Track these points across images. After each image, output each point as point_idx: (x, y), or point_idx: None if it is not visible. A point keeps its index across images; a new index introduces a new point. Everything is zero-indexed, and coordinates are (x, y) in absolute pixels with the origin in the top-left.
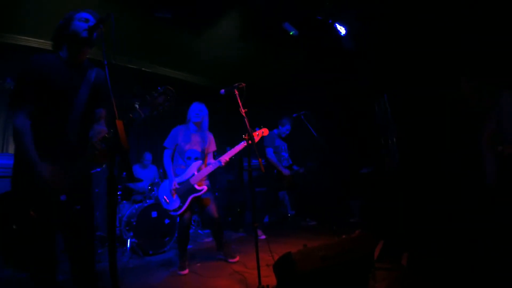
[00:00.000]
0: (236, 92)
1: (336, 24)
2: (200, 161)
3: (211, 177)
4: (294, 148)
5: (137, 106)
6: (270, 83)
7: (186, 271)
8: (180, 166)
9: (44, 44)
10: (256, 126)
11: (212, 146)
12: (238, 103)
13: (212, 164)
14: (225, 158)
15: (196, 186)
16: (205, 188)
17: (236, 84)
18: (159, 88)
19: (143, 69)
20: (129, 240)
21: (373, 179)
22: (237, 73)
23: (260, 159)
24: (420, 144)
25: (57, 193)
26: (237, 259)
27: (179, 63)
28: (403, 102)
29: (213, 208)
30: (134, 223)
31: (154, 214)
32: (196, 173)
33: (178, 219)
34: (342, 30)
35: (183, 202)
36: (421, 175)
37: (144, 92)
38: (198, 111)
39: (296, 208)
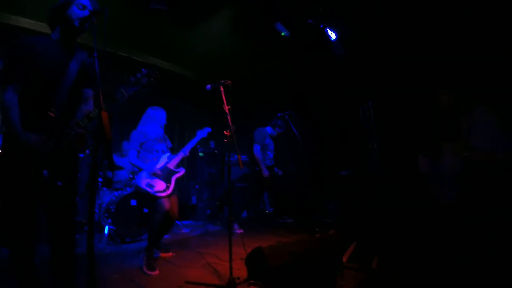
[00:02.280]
0: (222, 89)
1: (327, 29)
2: (168, 153)
3: (192, 169)
4: (277, 148)
5: (121, 88)
6: (258, 81)
7: (157, 272)
8: (152, 159)
9: (37, 25)
10: (240, 123)
11: (169, 142)
12: (223, 99)
13: (180, 152)
14: (188, 149)
15: (174, 168)
16: (183, 170)
17: (222, 81)
18: (143, 69)
19: (133, 57)
20: (107, 227)
21: (351, 182)
22: (226, 69)
23: (239, 155)
24: (400, 151)
25: (39, 165)
26: (170, 254)
27: (170, 54)
28: (387, 110)
29: (176, 209)
30: (113, 210)
31: (133, 202)
32: (169, 160)
33: (158, 204)
34: (332, 35)
35: (168, 183)
36: (399, 181)
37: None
38: (165, 119)
39: (274, 206)
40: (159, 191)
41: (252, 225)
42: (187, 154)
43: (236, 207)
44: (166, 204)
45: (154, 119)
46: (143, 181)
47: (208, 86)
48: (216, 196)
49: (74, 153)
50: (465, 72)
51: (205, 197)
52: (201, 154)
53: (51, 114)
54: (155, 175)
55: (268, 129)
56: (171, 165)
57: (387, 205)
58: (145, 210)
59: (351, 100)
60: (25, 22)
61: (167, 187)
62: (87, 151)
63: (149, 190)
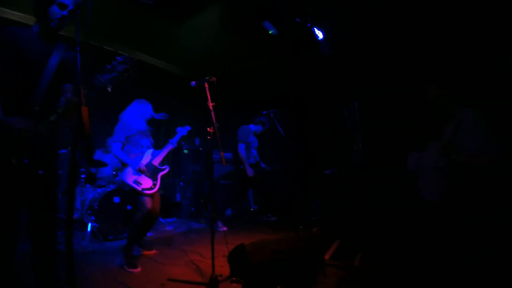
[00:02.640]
0: (206, 86)
1: (315, 28)
2: (152, 149)
3: (176, 166)
4: (262, 146)
5: (98, 75)
6: (245, 79)
7: (139, 269)
8: (137, 154)
9: (25, 18)
10: (226, 120)
11: (151, 139)
12: (207, 96)
13: (165, 147)
14: (175, 140)
15: (159, 166)
16: (167, 167)
17: (207, 78)
18: (117, 57)
19: (119, 52)
20: (90, 224)
21: (335, 181)
22: (213, 65)
23: (222, 152)
24: (384, 151)
25: (21, 153)
26: (153, 252)
27: (158, 49)
28: (372, 110)
29: (158, 207)
30: (96, 207)
31: (116, 199)
32: (152, 157)
33: (140, 202)
34: (320, 34)
35: (155, 180)
36: (382, 180)
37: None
38: (151, 113)
39: (258, 204)
40: (147, 189)
41: (236, 222)
42: (175, 145)
43: (220, 204)
44: (149, 202)
45: (140, 112)
46: (130, 178)
47: (193, 82)
48: (201, 194)
49: (53, 141)
50: (453, 72)
51: (189, 195)
52: (185, 151)
53: (33, 108)
54: (141, 172)
55: (252, 126)
56: (156, 162)
57: (370, 204)
58: (129, 207)
59: (337, 99)
60: (14, 15)
61: (154, 185)
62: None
63: (137, 187)
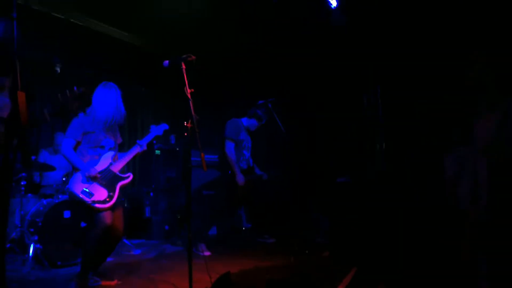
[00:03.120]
0: (183, 66)
1: None
2: (114, 152)
3: (145, 171)
4: (256, 146)
5: (45, 111)
6: (233, 58)
7: None
8: (93, 157)
9: None
10: (209, 112)
11: (119, 137)
12: (184, 80)
13: (131, 150)
14: (145, 142)
15: (119, 173)
16: (131, 175)
17: (185, 56)
18: (75, 88)
19: (71, 20)
20: (32, 246)
21: (350, 191)
22: (193, 40)
23: (202, 153)
24: (414, 152)
25: None
26: (114, 282)
27: (119, 17)
28: (399, 98)
29: (121, 225)
30: (40, 224)
31: (67, 214)
32: (112, 162)
33: (97, 217)
34: (333, 1)
35: (112, 191)
36: (412, 190)
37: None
38: (113, 93)
39: (253, 221)
40: (99, 202)
41: (223, 245)
42: (145, 148)
43: (202, 221)
44: (108, 218)
45: (107, 101)
46: (79, 186)
47: (166, 62)
48: (177, 208)
49: None
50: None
51: (162, 209)
52: (157, 151)
53: None
54: (93, 180)
55: (244, 120)
56: (116, 168)
57: (396, 221)
58: (83, 224)
59: (353, 85)
60: None
61: (110, 197)
62: None
63: (86, 199)
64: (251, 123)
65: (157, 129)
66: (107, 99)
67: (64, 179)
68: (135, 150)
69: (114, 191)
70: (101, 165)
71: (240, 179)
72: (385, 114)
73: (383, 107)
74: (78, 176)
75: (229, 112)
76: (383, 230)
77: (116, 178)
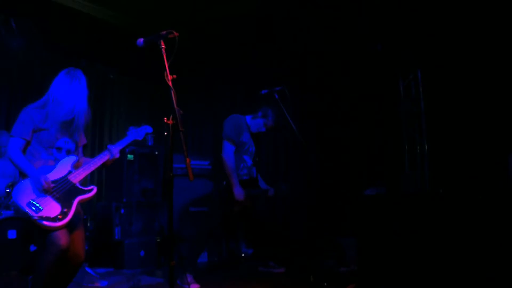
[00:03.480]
0: (163, 46)
1: None
2: (76, 156)
3: (114, 182)
4: (260, 152)
5: None
6: (228, 35)
7: None
8: (47, 162)
9: None
10: (196, 106)
11: (83, 137)
12: (165, 63)
13: (99, 157)
14: (118, 148)
15: (80, 186)
16: (94, 189)
17: (165, 32)
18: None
19: None
20: None
21: (382, 207)
22: (175, 12)
23: (188, 160)
24: (466, 154)
25: None
26: None
27: None
28: (446, 85)
29: (81, 248)
30: None
31: (12, 234)
32: (72, 169)
33: (48, 238)
34: None
35: (67, 207)
36: (464, 203)
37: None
38: (76, 83)
39: (254, 245)
40: (48, 218)
41: (216, 276)
42: (117, 156)
43: (189, 246)
44: (62, 239)
45: (69, 93)
46: (24, 197)
47: (140, 40)
48: (155, 228)
49: None
50: None
51: (136, 230)
52: (130, 156)
53: None
54: (44, 191)
55: (248, 118)
56: (76, 178)
57: (444, 245)
58: (32, 247)
59: (385, 67)
60: None
61: (63, 214)
62: None
63: (31, 213)
64: (257, 124)
65: (137, 133)
66: (70, 91)
67: (8, 190)
68: (104, 157)
69: (70, 207)
70: (57, 173)
71: (239, 192)
72: (428, 106)
73: (426, 97)
74: (26, 183)
75: (223, 105)
76: (429, 256)
77: (75, 191)
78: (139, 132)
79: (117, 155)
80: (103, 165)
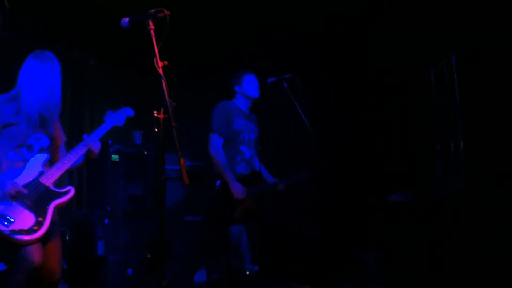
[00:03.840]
0: (152, 26)
1: None
2: (46, 154)
3: (96, 187)
4: (265, 141)
5: None
6: (226, 12)
7: None
8: (14, 163)
9: None
10: (194, 96)
11: (62, 134)
12: (154, 47)
13: (72, 151)
14: (96, 137)
15: (54, 188)
16: (71, 190)
17: (153, 11)
18: None
19: None
20: None
21: (409, 215)
22: None
23: (182, 161)
24: (510, 155)
25: None
26: None
27: None
28: (487, 73)
29: (56, 264)
30: None
31: None
32: (43, 169)
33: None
34: None
35: (41, 215)
36: (504, 215)
37: None
38: (48, 67)
39: (261, 259)
40: (21, 232)
41: None
42: (98, 146)
43: (183, 262)
44: (34, 254)
45: (39, 80)
46: None
47: (125, 20)
48: (145, 241)
49: None
50: None
51: (122, 243)
52: (114, 157)
53: None
54: (12, 198)
55: (235, 102)
56: (49, 179)
57: (482, 258)
58: (2, 266)
59: (414, 52)
60: None
61: (38, 224)
62: None
63: (2, 228)
64: (248, 93)
65: (115, 117)
66: (40, 77)
67: None
68: (80, 150)
69: (44, 215)
70: (27, 176)
71: (237, 189)
72: (464, 97)
73: (461, 86)
74: None
75: (223, 96)
76: (468, 274)
77: (49, 195)
78: (118, 116)
79: (97, 146)
80: (86, 160)
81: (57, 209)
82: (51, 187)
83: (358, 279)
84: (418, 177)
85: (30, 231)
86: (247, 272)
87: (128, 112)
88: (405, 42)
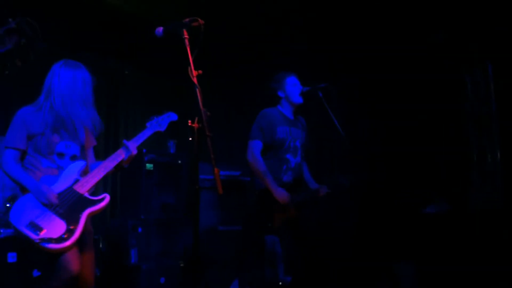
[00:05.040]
0: (186, 36)
1: None
2: (83, 162)
3: (130, 196)
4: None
5: None
6: (263, 23)
7: None
8: (49, 171)
9: None
10: (227, 106)
11: (92, 138)
12: (188, 57)
13: (110, 158)
14: (136, 143)
15: (88, 195)
16: (106, 197)
17: (187, 20)
18: (10, 20)
19: None
20: None
21: (446, 227)
22: None
23: (216, 170)
24: None
25: None
26: None
27: None
28: None
29: (91, 274)
30: None
31: (11, 257)
32: (79, 177)
33: (58, 263)
34: None
35: (73, 223)
36: None
37: None
38: (80, 78)
39: (295, 271)
40: (50, 240)
41: None
42: (134, 152)
43: (218, 271)
44: (73, 262)
45: (69, 89)
46: (23, 217)
47: (159, 29)
48: (178, 251)
49: None
50: None
51: (155, 252)
52: (148, 166)
53: None
54: (47, 206)
55: (284, 107)
56: (84, 187)
57: None
58: (36, 273)
59: (449, 60)
60: None
61: (69, 232)
62: None
63: (31, 235)
64: (292, 99)
65: (158, 123)
66: (71, 86)
67: (8, 205)
68: (118, 157)
69: (77, 223)
70: (63, 184)
71: (281, 194)
72: (502, 106)
73: (498, 95)
74: (25, 200)
75: (258, 105)
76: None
77: (82, 203)
78: (161, 122)
79: (134, 152)
80: (118, 168)
81: (91, 217)
82: (86, 194)
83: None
84: (453, 188)
85: (59, 239)
86: (280, 283)
87: (172, 117)
88: (441, 50)
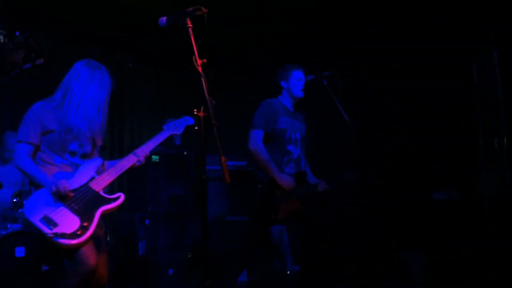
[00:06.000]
0: (190, 25)
1: None
2: (99, 159)
3: (137, 189)
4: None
5: None
6: (269, 13)
7: None
8: (61, 167)
9: None
10: (232, 96)
11: (100, 139)
12: (192, 46)
13: (126, 159)
14: (145, 150)
15: (103, 193)
16: (121, 196)
17: (191, 9)
18: (17, 34)
19: None
20: None
21: (456, 213)
22: None
23: (223, 159)
24: None
25: None
26: None
27: None
28: None
29: (105, 265)
30: None
31: (19, 252)
32: (95, 174)
33: (77, 257)
34: None
35: (87, 220)
36: None
37: None
38: (97, 80)
39: (303, 260)
40: (64, 235)
41: None
42: (142, 160)
43: (226, 263)
44: (91, 257)
45: (83, 88)
46: (38, 212)
47: (163, 19)
48: (186, 242)
49: None
50: None
51: (163, 244)
52: (154, 158)
53: None
54: (61, 200)
55: (285, 98)
56: (99, 184)
57: None
58: (45, 267)
59: (455, 47)
60: None
61: (84, 229)
62: None
63: (46, 230)
64: (293, 92)
65: (175, 126)
66: (86, 87)
67: (15, 200)
68: (134, 158)
69: (91, 220)
70: (78, 180)
71: (285, 180)
72: (508, 92)
73: (504, 81)
74: (39, 195)
75: (263, 93)
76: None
77: (98, 201)
78: (178, 125)
79: (142, 161)
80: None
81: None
82: (101, 192)
83: (401, 279)
84: (461, 174)
85: (73, 235)
86: (288, 273)
87: (188, 121)
88: (447, 35)
